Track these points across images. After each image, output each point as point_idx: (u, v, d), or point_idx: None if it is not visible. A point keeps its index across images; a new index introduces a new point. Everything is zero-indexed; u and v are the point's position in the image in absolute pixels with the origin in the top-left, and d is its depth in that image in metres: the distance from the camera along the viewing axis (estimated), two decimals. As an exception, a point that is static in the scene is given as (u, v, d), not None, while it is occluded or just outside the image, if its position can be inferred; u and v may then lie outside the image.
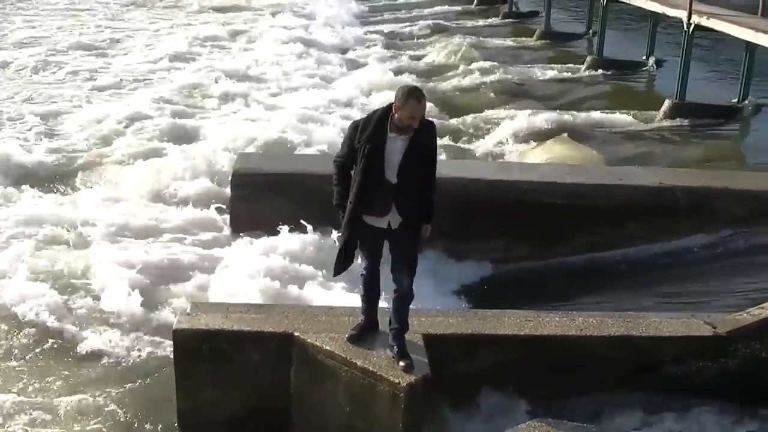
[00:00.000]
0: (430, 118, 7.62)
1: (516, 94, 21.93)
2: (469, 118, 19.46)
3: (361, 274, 7.78)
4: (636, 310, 10.05)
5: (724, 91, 20.89)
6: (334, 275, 7.72)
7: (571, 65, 25.50)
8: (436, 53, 27.68)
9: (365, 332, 7.79)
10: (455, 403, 8.02)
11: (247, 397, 8.06)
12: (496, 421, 7.52)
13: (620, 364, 8.36)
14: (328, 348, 7.70)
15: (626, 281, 11.81)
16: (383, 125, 7.28)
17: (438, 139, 17.82)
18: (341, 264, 7.58)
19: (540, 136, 17.64)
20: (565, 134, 17.48)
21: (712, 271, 12.09)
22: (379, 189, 7.30)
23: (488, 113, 19.73)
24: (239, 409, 8.07)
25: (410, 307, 7.62)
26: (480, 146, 17.86)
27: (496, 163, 15.82)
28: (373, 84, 22.52)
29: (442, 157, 16.34)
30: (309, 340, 7.80)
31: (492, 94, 21.88)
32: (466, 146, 17.89)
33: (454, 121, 19.28)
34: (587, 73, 24.76)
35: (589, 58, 25.64)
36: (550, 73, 24.57)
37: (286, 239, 11.57)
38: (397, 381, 7.28)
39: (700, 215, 12.85)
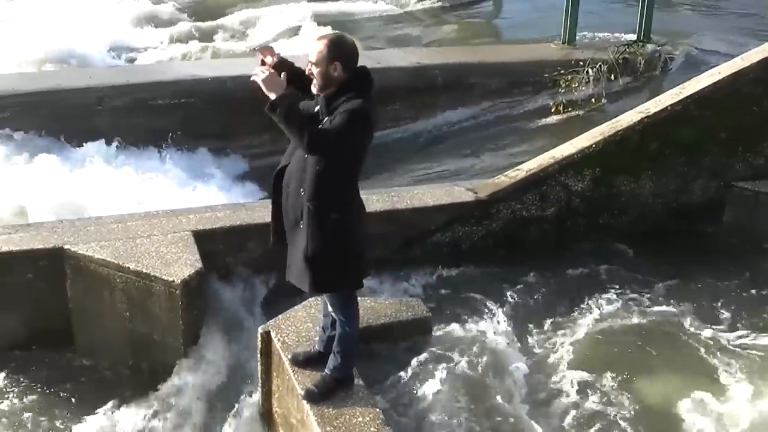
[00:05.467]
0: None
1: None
2: (225, 20, 19.01)
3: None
4: (407, 185, 10.24)
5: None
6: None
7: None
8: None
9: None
10: (232, 295, 7.95)
11: (27, 319, 7.71)
12: (275, 307, 7.48)
13: (388, 240, 8.33)
14: (99, 257, 7.44)
15: (394, 159, 11.98)
16: None
17: (198, 42, 17.07)
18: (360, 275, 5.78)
19: (296, 29, 17.52)
20: (325, 26, 17.37)
21: (474, 141, 12.50)
22: None
23: (244, 12, 19.35)
24: (20, 334, 7.71)
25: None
26: (240, 45, 17.52)
27: (255, 59, 15.52)
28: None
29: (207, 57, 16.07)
30: (80, 252, 7.52)
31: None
32: (226, 46, 17.51)
33: (209, 23, 18.78)
34: (342, -35, 24.54)
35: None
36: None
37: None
38: (171, 279, 7.16)
39: (459, 90, 13.22)
